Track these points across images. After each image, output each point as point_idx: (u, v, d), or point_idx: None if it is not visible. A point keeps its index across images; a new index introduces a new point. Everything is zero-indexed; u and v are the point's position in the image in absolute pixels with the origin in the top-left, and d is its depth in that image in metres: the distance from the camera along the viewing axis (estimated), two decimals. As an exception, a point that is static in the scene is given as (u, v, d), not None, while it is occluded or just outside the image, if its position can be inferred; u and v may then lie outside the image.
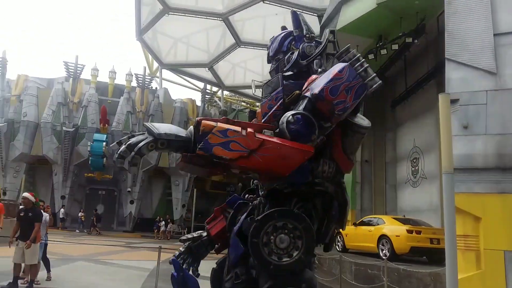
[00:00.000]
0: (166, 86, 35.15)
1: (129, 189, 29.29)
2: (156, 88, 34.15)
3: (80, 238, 20.76)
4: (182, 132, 2.51)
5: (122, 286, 9.37)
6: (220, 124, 2.39)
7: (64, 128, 28.47)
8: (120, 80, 31.87)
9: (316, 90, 2.55)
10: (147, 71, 33.51)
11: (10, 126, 28.73)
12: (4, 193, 28.20)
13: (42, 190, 28.54)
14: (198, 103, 33.89)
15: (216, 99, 39.12)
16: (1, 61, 29.30)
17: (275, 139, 2.41)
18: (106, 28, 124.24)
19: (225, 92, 39.67)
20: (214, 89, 38.04)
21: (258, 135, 2.38)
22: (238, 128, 2.38)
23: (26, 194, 8.25)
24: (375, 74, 2.79)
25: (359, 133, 2.89)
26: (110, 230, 28.26)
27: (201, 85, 36.40)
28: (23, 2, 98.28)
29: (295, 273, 2.54)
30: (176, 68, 35.62)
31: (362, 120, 2.92)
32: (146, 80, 30.98)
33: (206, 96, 34.39)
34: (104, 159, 27.58)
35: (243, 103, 41.81)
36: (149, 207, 31.83)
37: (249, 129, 2.37)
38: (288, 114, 2.56)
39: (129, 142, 2.42)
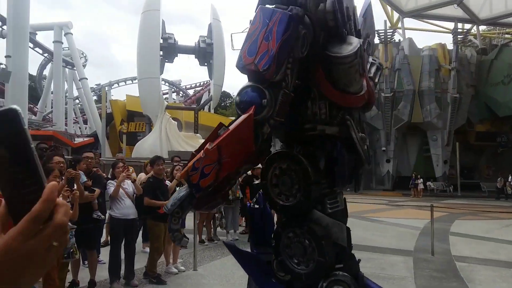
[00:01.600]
0: (410, 36, 32.80)
1: (383, 148, 29.19)
2: (400, 40, 32.28)
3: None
4: (182, 191, 2.57)
5: (396, 243, 9.29)
6: (189, 164, 2.45)
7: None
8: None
9: (236, 63, 2.28)
10: (388, 24, 32.04)
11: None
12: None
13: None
14: (450, 46, 30.13)
15: (471, 37, 33.94)
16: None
17: (225, 134, 2.33)
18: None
19: (482, 27, 33.97)
20: (467, 26, 32.99)
21: (213, 144, 2.34)
22: (200, 154, 2.40)
23: None
24: None
25: (340, 64, 2.32)
26: (369, 189, 29.06)
27: (450, 25, 32.29)
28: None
29: (300, 215, 2.54)
30: (419, 14, 32.72)
31: (347, 45, 2.32)
32: (387, 34, 29.62)
33: (459, 36, 30.00)
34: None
35: (507, 36, 34.74)
36: (406, 165, 30.89)
37: (206, 146, 2.37)
38: (236, 95, 2.39)
39: (169, 227, 2.62)
